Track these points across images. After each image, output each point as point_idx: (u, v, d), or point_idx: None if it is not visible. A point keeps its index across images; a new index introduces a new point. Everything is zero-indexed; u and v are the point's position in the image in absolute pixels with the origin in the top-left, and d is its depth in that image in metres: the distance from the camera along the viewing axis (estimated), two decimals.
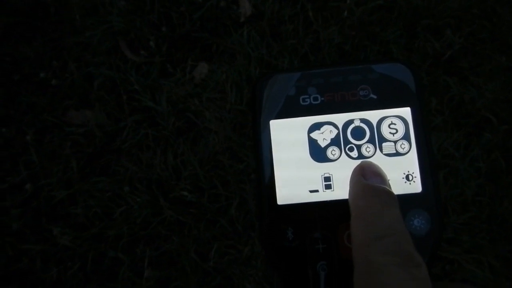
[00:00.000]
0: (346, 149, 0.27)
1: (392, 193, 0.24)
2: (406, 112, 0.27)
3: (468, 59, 1.01)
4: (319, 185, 0.27)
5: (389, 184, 0.25)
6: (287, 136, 0.27)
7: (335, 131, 0.27)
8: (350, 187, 0.25)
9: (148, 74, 1.03)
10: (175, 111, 1.00)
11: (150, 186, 0.96)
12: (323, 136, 0.27)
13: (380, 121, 0.27)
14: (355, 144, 0.27)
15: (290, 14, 1.03)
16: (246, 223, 0.92)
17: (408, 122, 0.27)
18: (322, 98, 0.28)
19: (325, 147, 0.27)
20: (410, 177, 0.26)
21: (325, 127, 0.27)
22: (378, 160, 0.27)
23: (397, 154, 0.27)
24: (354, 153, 0.27)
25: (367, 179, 0.25)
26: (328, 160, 0.27)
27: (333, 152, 0.27)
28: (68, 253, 0.94)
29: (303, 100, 0.28)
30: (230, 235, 0.92)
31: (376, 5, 1.03)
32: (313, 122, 0.27)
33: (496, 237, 0.89)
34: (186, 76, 1.02)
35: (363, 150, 0.27)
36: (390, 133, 0.27)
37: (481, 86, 0.98)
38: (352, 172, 0.26)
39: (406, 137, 0.27)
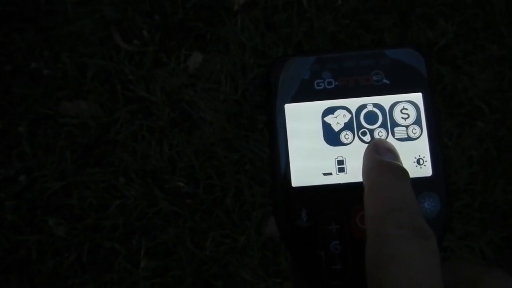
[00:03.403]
0: (359, 133, 0.27)
1: (404, 168, 0.24)
2: (417, 97, 0.27)
3: (461, 48, 0.98)
4: (333, 168, 0.27)
5: (401, 161, 0.25)
6: (302, 120, 0.27)
7: (348, 116, 0.27)
8: (364, 162, 0.25)
9: (142, 63, 0.99)
10: (170, 102, 0.96)
11: (145, 177, 0.93)
12: (337, 120, 0.27)
13: (393, 106, 0.27)
14: (367, 129, 0.27)
15: (283, 2, 1.00)
16: (242, 213, 0.90)
17: (420, 107, 0.27)
18: (336, 83, 0.27)
19: (338, 131, 0.27)
20: (421, 161, 0.26)
21: (338, 111, 0.27)
22: None
23: (409, 138, 0.27)
24: (367, 137, 0.27)
25: (381, 155, 0.25)
26: (341, 144, 0.27)
27: (346, 136, 0.27)
28: (64, 244, 0.91)
29: (318, 84, 0.27)
30: (226, 225, 0.90)
31: None
32: (327, 106, 0.27)
33: (488, 225, 0.88)
34: (180, 65, 0.99)
35: (375, 134, 0.27)
36: (402, 118, 0.27)
37: (474, 75, 0.96)
38: (366, 149, 0.26)
39: (417, 122, 0.27)
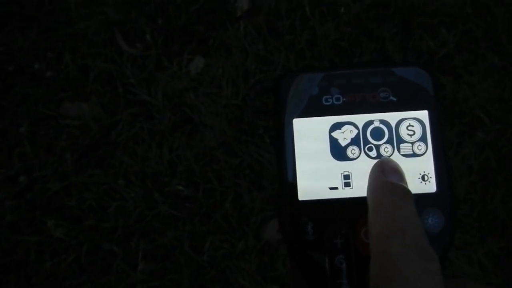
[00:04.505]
0: (366, 148, 0.27)
1: (408, 190, 0.24)
2: (423, 115, 0.27)
3: (462, 58, 0.98)
4: (339, 182, 0.27)
5: (406, 181, 0.25)
6: (309, 135, 0.27)
7: (355, 131, 0.27)
8: (369, 182, 0.25)
9: (144, 67, 0.98)
10: (171, 105, 0.95)
11: (145, 180, 0.92)
12: (344, 136, 0.27)
13: (399, 123, 0.27)
14: (374, 144, 0.27)
15: (287, 9, 0.99)
16: (241, 218, 0.89)
17: (425, 124, 0.27)
18: (344, 99, 0.28)
19: (345, 146, 0.27)
20: (426, 177, 0.26)
21: (345, 127, 0.27)
22: (396, 160, 0.27)
23: (414, 155, 0.27)
24: (373, 153, 0.27)
25: (386, 175, 0.25)
26: (348, 159, 0.27)
27: (353, 151, 0.27)
28: (63, 245, 0.90)
29: (326, 100, 0.28)
30: (224, 230, 0.89)
31: (372, 1, 0.99)
32: (334, 122, 0.27)
33: (486, 235, 0.87)
34: (182, 69, 0.98)
35: (381, 150, 0.27)
36: (408, 134, 0.27)
37: (475, 85, 0.95)
38: (372, 168, 0.26)
39: (423, 139, 0.27)
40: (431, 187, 0.26)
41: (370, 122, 0.27)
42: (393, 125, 0.27)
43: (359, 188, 0.26)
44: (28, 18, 1.03)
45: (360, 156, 0.27)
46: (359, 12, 0.99)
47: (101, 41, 1.00)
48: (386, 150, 0.27)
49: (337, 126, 0.27)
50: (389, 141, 0.27)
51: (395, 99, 0.27)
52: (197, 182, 0.91)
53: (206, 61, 0.98)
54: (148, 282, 0.88)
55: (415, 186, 0.26)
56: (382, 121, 0.27)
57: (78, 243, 0.90)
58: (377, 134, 0.27)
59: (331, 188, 0.27)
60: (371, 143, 0.27)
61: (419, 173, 0.27)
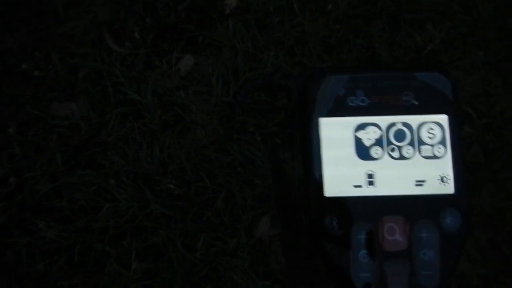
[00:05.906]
0: (389, 149, 0.28)
1: None
2: (443, 119, 0.28)
3: (448, 54, 0.98)
4: (363, 181, 0.28)
5: None
6: (335, 134, 0.28)
7: (379, 132, 0.28)
8: None
9: (133, 66, 0.96)
10: (161, 104, 0.94)
11: (136, 180, 0.90)
12: (368, 136, 0.28)
13: (420, 126, 0.28)
14: (396, 145, 0.28)
15: (275, 6, 0.98)
16: (233, 216, 0.88)
17: (445, 128, 0.28)
18: (369, 101, 0.28)
19: (369, 146, 0.28)
20: (445, 179, 0.28)
21: (370, 127, 0.28)
22: (417, 161, 0.28)
23: (434, 157, 0.28)
24: (396, 154, 0.28)
25: None
26: (371, 158, 0.28)
27: (377, 152, 0.28)
28: (54, 246, 0.89)
29: (351, 101, 0.28)
30: (216, 228, 0.88)
31: None
32: (359, 123, 0.28)
33: (475, 228, 0.88)
34: (172, 68, 0.97)
35: (403, 151, 0.28)
36: (429, 137, 0.28)
37: (461, 80, 0.95)
38: None
39: (442, 142, 0.28)
40: (449, 188, 0.27)
41: (393, 124, 0.28)
42: (415, 128, 0.28)
43: (382, 187, 0.27)
44: (17, 19, 1.01)
45: (383, 156, 0.28)
46: (347, 10, 0.98)
47: (90, 41, 0.98)
48: (407, 151, 0.28)
49: (361, 127, 0.28)
50: (411, 143, 0.28)
51: (417, 103, 0.28)
52: (189, 181, 0.90)
53: (195, 59, 0.96)
54: (142, 281, 0.87)
55: (435, 187, 0.28)
56: (405, 124, 0.28)
57: (70, 244, 0.88)
58: (400, 135, 0.28)
59: (355, 186, 0.27)
60: (394, 144, 0.28)
61: (439, 174, 0.28)
